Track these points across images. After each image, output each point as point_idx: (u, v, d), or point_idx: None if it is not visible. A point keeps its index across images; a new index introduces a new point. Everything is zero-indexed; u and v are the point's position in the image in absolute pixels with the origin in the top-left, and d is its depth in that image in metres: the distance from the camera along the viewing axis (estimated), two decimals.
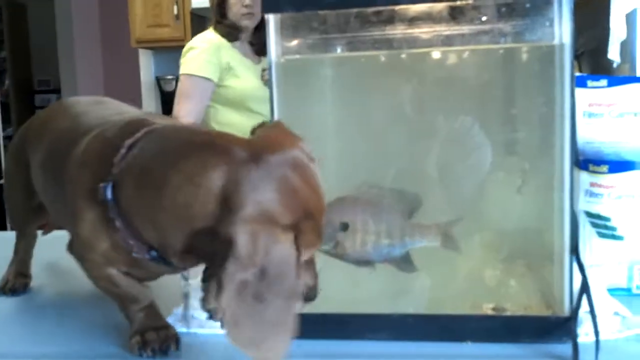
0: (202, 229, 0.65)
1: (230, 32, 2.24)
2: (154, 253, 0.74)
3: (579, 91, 0.90)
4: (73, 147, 0.83)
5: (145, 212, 0.72)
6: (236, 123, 2.21)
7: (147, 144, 0.75)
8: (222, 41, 2.23)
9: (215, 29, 2.28)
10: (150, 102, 4.22)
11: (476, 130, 0.85)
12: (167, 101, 4.03)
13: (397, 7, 0.78)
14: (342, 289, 0.88)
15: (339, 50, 0.83)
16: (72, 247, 0.85)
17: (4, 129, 4.31)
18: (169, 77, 4.03)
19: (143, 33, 3.96)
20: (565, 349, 0.76)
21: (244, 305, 0.63)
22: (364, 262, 0.84)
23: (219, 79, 2.21)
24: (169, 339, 0.81)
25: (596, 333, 0.74)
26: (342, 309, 0.84)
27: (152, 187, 0.70)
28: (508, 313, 0.82)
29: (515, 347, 0.78)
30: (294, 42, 0.81)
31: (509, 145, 0.89)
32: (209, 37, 2.27)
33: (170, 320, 0.87)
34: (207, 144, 0.69)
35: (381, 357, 0.78)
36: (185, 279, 0.85)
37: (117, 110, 0.92)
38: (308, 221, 0.65)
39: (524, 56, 0.84)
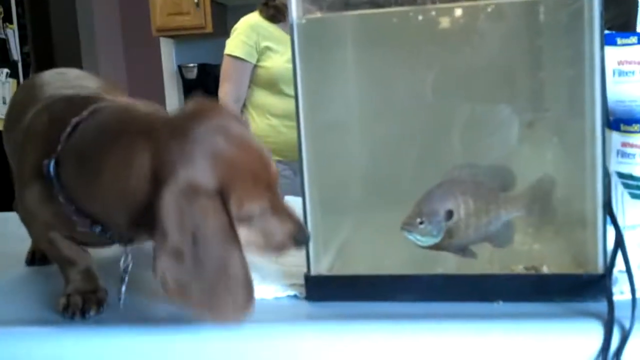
0: (139, 206, 0.70)
1: (275, 15, 2.22)
2: (98, 228, 0.78)
3: (608, 49, 0.88)
4: (23, 119, 0.87)
5: (86, 191, 0.76)
6: (267, 104, 2.22)
7: (89, 124, 0.78)
8: (261, 22, 2.23)
9: (261, 11, 2.26)
10: (172, 91, 4.24)
11: (501, 98, 0.84)
12: (188, 89, 4.04)
13: None
14: (372, 252, 0.87)
15: (360, 8, 0.81)
16: (17, 208, 0.88)
17: None
18: (191, 65, 4.03)
19: (164, 22, 3.96)
20: (600, 307, 0.74)
21: (186, 272, 0.67)
22: (467, 250, 0.82)
23: (257, 59, 2.21)
24: (91, 302, 0.83)
25: (632, 290, 0.73)
26: (372, 271, 0.83)
27: (91, 169, 0.74)
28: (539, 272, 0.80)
29: (547, 305, 0.76)
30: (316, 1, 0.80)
31: (537, 105, 0.87)
32: (248, 18, 2.28)
33: None
34: (135, 124, 0.74)
35: (411, 317, 0.77)
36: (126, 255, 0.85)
37: (72, 83, 0.95)
38: (239, 180, 0.69)
39: (552, 11, 0.82)
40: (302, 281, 0.86)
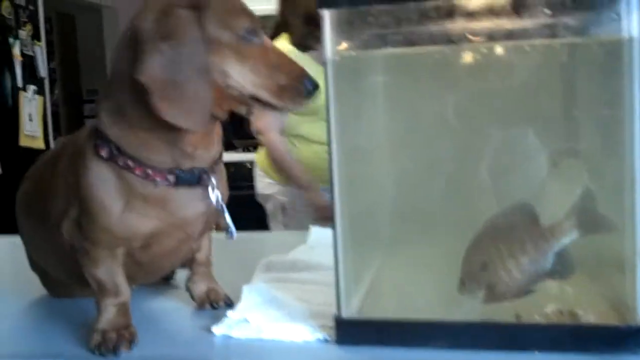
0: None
1: (312, 43, 2.14)
2: (174, 172, 0.80)
3: None
4: (55, 164, 0.90)
5: (129, 123, 0.79)
6: (309, 132, 2.18)
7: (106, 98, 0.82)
8: (293, 50, 2.16)
9: (295, 38, 2.18)
10: None
11: (531, 135, 0.82)
12: None
13: (457, 1, 0.76)
14: (403, 290, 0.86)
15: (394, 46, 0.80)
16: (69, 231, 0.85)
17: (54, 138, 4.38)
18: None
19: None
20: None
21: (167, 79, 0.73)
22: (523, 290, 0.79)
23: None
24: (123, 339, 0.82)
25: None
26: (403, 311, 0.81)
27: (126, 103, 0.78)
28: (579, 318, 0.78)
29: (583, 357, 0.74)
30: (349, 39, 0.79)
31: (573, 146, 0.85)
32: (281, 46, 2.22)
33: (220, 324, 0.87)
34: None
35: None
36: None
37: None
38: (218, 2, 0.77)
39: (590, 51, 0.81)
40: (330, 322, 0.84)
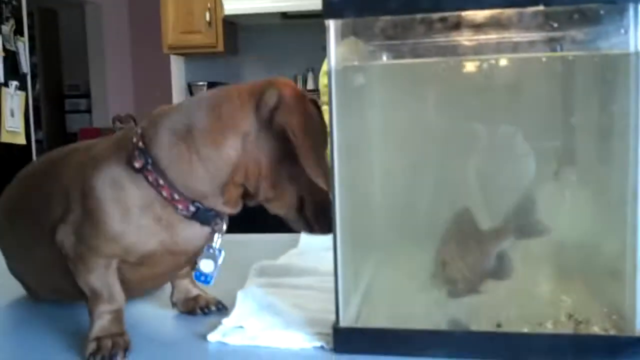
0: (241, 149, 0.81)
1: None
2: (196, 204, 0.82)
3: None
4: (53, 170, 0.91)
5: (186, 165, 0.80)
6: None
7: (164, 115, 0.84)
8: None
9: None
10: None
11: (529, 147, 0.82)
12: None
13: (464, 13, 0.75)
14: (399, 299, 0.85)
15: (399, 57, 0.80)
16: (64, 237, 0.84)
17: (35, 133, 4.34)
18: (200, 83, 4.03)
19: (175, 39, 3.96)
20: None
21: (308, 136, 0.80)
22: (474, 289, 0.83)
23: None
24: (119, 347, 0.80)
25: None
26: (400, 320, 0.81)
27: (191, 139, 0.81)
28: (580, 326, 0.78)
29: None
30: (354, 49, 0.79)
31: (579, 157, 0.85)
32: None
33: (215, 331, 0.86)
34: (221, 92, 0.85)
35: None
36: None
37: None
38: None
39: (596, 65, 0.81)
40: (327, 330, 0.83)
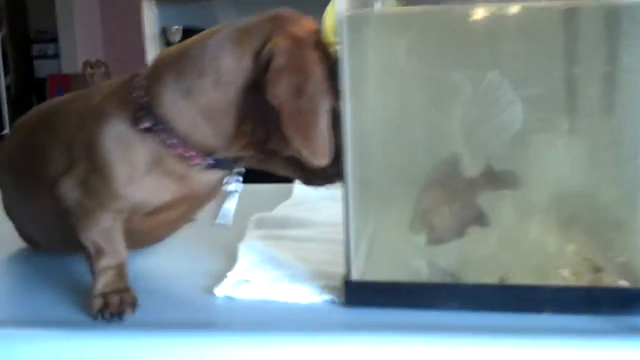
0: (246, 93, 0.76)
1: None
2: (213, 156, 0.80)
3: None
4: (55, 120, 0.87)
5: (191, 111, 0.77)
6: None
7: (161, 62, 0.81)
8: None
9: None
10: (154, 54, 4.13)
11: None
12: None
13: None
14: (407, 257, 0.84)
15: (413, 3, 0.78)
16: (68, 190, 0.81)
17: (5, 77, 4.22)
18: (175, 27, 3.93)
19: None
20: None
21: (296, 102, 0.73)
22: (455, 234, 0.82)
23: None
24: (126, 303, 0.79)
25: None
26: (406, 277, 0.81)
27: (192, 83, 0.77)
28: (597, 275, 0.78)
29: (594, 319, 0.74)
30: None
31: (585, 105, 0.84)
32: None
33: (222, 286, 0.85)
34: (213, 33, 0.80)
35: (453, 328, 0.75)
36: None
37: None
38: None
39: (606, 12, 0.79)
40: (334, 282, 0.83)
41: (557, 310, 0.76)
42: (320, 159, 0.75)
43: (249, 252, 0.95)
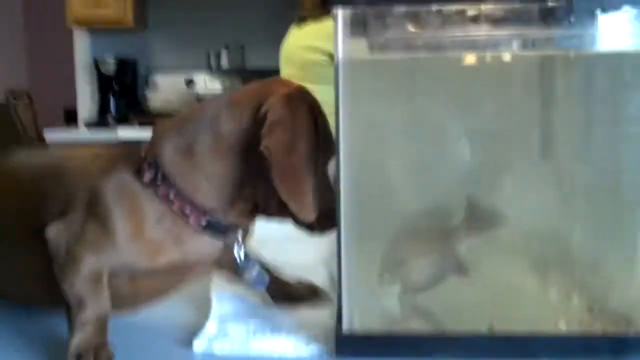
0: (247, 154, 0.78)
1: None
2: (208, 218, 0.79)
3: None
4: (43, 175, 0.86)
5: (194, 174, 0.79)
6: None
7: (167, 131, 0.81)
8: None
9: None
10: (84, 86, 4.02)
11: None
12: (105, 84, 3.84)
13: (483, 6, 0.72)
14: (399, 308, 0.82)
15: (409, 51, 0.76)
16: (57, 235, 0.78)
17: None
18: (108, 58, 3.84)
19: (81, 13, 3.74)
20: None
21: (287, 156, 0.75)
22: (432, 284, 0.81)
23: None
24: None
25: None
26: (404, 327, 0.78)
27: (195, 148, 0.79)
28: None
29: None
30: (363, 40, 0.74)
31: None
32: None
33: (200, 340, 0.80)
34: (218, 100, 0.83)
35: None
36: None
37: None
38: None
39: (617, 62, 0.79)
40: (319, 332, 0.80)
41: (557, 357, 0.74)
42: (306, 215, 0.77)
43: (223, 300, 0.90)
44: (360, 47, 0.74)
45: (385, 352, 0.76)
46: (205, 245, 0.81)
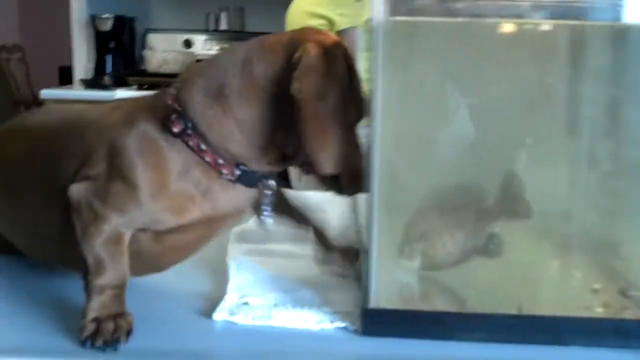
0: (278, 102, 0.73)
1: None
2: (241, 167, 0.75)
3: None
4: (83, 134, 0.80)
5: (223, 123, 0.74)
6: None
7: (193, 75, 0.77)
8: None
9: None
10: (81, 43, 3.93)
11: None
12: (102, 43, 3.76)
13: None
14: (427, 285, 0.80)
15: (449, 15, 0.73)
16: (80, 195, 0.75)
17: None
18: (105, 16, 3.76)
19: None
20: None
21: (317, 104, 0.72)
22: (454, 263, 0.79)
23: None
24: (122, 330, 0.71)
25: None
26: (433, 306, 0.76)
27: (225, 95, 0.74)
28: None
29: (624, 353, 0.72)
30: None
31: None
32: None
33: (219, 310, 0.78)
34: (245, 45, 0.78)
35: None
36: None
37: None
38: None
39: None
40: (345, 308, 0.78)
41: (584, 343, 0.73)
42: (325, 168, 0.74)
43: (241, 271, 0.88)
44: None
45: (412, 330, 0.74)
46: (237, 196, 0.77)
